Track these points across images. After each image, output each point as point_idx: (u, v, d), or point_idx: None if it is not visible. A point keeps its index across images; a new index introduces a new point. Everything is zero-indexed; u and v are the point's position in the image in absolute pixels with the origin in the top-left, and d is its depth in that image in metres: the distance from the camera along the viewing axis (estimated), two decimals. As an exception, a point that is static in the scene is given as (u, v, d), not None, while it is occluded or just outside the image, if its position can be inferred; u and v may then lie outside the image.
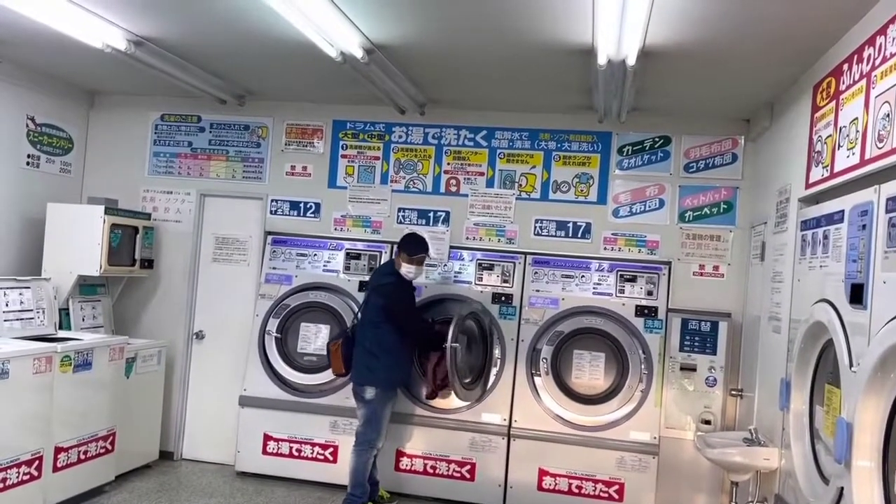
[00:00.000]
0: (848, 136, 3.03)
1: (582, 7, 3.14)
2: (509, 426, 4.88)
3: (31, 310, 4.67)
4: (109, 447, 4.75)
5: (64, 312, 5.06)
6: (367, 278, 5.16)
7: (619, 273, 5.03)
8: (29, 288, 4.71)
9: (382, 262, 5.17)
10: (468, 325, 4.86)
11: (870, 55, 2.88)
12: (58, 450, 4.30)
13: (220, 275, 5.68)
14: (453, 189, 5.39)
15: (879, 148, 2.68)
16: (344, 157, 5.54)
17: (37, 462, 4.13)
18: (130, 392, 4.99)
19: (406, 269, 4.58)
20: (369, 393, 4.51)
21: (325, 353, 4.91)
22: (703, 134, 5.04)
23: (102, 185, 5.71)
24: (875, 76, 2.80)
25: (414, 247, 4.62)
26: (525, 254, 5.19)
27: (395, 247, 4.78)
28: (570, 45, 3.67)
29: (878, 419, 2.39)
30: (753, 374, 4.38)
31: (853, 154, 2.94)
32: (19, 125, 5.23)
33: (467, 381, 4.80)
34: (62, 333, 4.82)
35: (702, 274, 5.02)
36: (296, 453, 5.15)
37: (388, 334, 4.52)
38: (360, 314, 4.72)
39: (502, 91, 4.81)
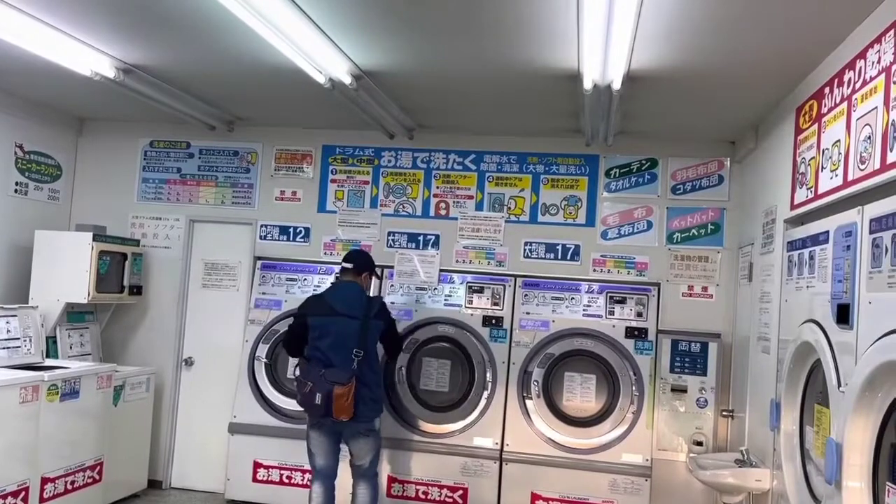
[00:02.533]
0: (831, 157, 3.07)
1: (567, 33, 3.18)
2: (501, 450, 4.86)
3: (18, 338, 4.62)
4: (97, 477, 4.69)
5: (51, 340, 5.02)
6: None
7: (609, 295, 5.04)
8: (16, 316, 4.67)
9: (341, 286, 4.47)
10: (446, 347, 4.84)
11: (850, 79, 2.93)
12: (44, 480, 4.24)
13: (210, 301, 5.65)
14: (443, 212, 5.41)
15: (861, 170, 2.72)
16: (333, 181, 5.56)
17: (23, 493, 4.07)
18: (118, 420, 4.93)
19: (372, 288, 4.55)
20: (376, 424, 4.34)
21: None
22: (690, 156, 5.10)
23: (91, 211, 5.70)
24: (856, 99, 2.84)
25: (373, 263, 4.58)
26: (515, 276, 5.20)
27: (352, 266, 4.40)
28: (557, 71, 3.71)
29: (866, 439, 2.40)
30: (744, 395, 4.38)
31: (836, 176, 2.98)
32: (7, 153, 5.22)
33: (447, 405, 4.80)
34: (49, 362, 4.78)
35: (691, 295, 5.04)
36: (286, 480, 5.10)
37: (378, 358, 4.49)
38: (352, 348, 4.15)
39: (490, 115, 4.85)
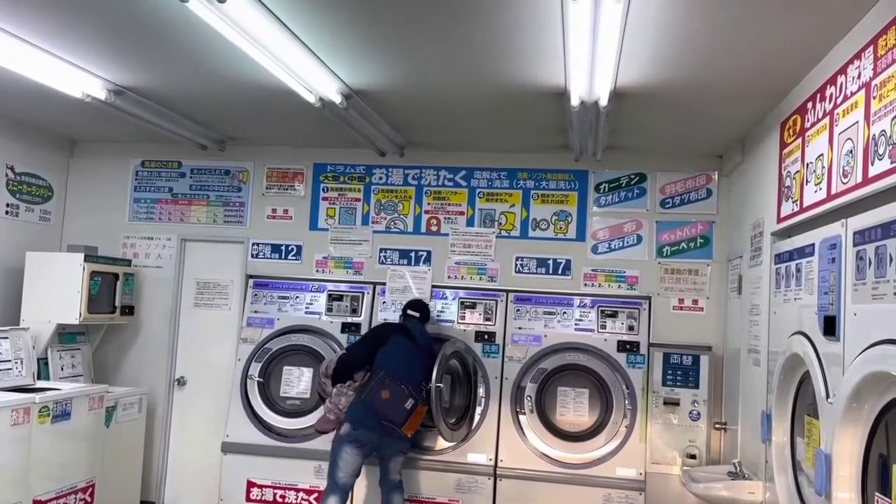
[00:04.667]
0: (815, 171, 3.12)
1: (553, 51, 3.22)
2: (495, 466, 4.85)
3: (9, 360, 4.60)
4: (89, 499, 4.66)
5: (43, 362, 5.00)
6: (350, 320, 5.27)
7: (600, 309, 5.07)
8: (7, 338, 4.65)
9: (417, 326, 4.76)
10: (452, 364, 4.86)
11: (832, 94, 2.98)
12: (36, 503, 4.21)
13: (202, 320, 5.65)
14: (434, 229, 5.43)
15: (844, 183, 2.76)
16: (325, 199, 5.58)
17: (14, 516, 4.05)
18: (110, 441, 4.90)
19: None
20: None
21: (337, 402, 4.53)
22: (678, 170, 5.14)
23: (82, 232, 5.70)
24: (837, 114, 2.89)
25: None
26: (507, 291, 5.22)
27: (419, 314, 4.80)
28: (544, 88, 3.75)
29: (855, 450, 2.42)
30: (736, 407, 4.40)
31: (820, 189, 3.02)
32: (-2, 174, 5.23)
33: (452, 420, 4.78)
34: (41, 383, 4.75)
35: (681, 308, 5.07)
36: (280, 499, 5.07)
37: None
38: (421, 379, 4.45)
39: (480, 132, 4.89)
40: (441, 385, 4.50)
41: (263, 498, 5.08)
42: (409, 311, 4.85)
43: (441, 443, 4.85)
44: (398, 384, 4.35)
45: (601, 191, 5.25)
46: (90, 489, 4.67)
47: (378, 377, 4.39)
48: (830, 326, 2.67)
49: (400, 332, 4.68)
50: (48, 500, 4.30)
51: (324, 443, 4.99)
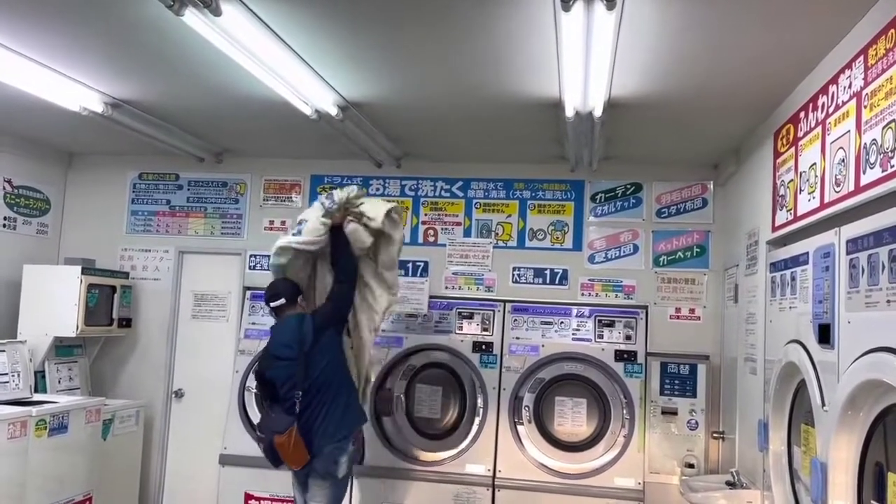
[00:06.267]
0: (808, 180, 3.13)
1: (547, 62, 3.25)
2: (493, 476, 4.83)
3: (7, 373, 4.60)
4: (86, 512, 4.65)
5: (40, 375, 4.99)
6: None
7: (598, 318, 5.07)
8: (4, 351, 4.64)
9: (277, 330, 4.13)
10: (436, 373, 4.85)
11: (824, 103, 3.00)
12: (32, 517, 4.20)
13: (200, 332, 5.64)
14: (431, 239, 5.44)
15: (837, 192, 2.78)
16: (322, 210, 5.59)
17: (10, 531, 4.03)
18: (107, 454, 4.88)
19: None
20: (339, 469, 3.91)
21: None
22: (674, 180, 5.16)
23: (80, 244, 5.71)
24: (829, 123, 2.91)
25: (298, 286, 4.22)
26: (504, 301, 5.22)
27: (285, 301, 4.07)
28: (539, 99, 3.77)
29: (851, 458, 2.42)
30: (734, 416, 4.40)
31: (813, 198, 3.04)
32: (-4, 188, 5.25)
33: (435, 432, 4.79)
34: (38, 396, 4.74)
35: (678, 317, 5.08)
36: (278, 512, 5.06)
37: (344, 364, 4.11)
38: (296, 383, 3.86)
39: (476, 143, 4.91)
40: (400, 395, 4.58)
41: (261, 510, 5.07)
42: (273, 304, 4.09)
43: (439, 454, 4.84)
44: (258, 431, 4.07)
45: (597, 201, 5.27)
46: (87, 502, 4.65)
47: None
48: (825, 334, 2.68)
49: (266, 364, 4.05)
50: (45, 514, 4.29)
51: (322, 454, 4.98)
